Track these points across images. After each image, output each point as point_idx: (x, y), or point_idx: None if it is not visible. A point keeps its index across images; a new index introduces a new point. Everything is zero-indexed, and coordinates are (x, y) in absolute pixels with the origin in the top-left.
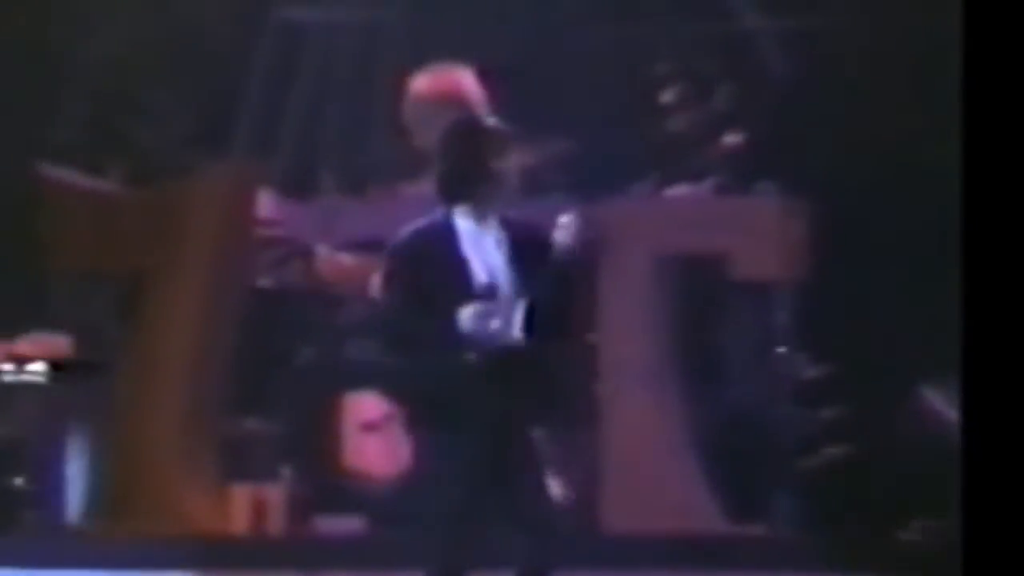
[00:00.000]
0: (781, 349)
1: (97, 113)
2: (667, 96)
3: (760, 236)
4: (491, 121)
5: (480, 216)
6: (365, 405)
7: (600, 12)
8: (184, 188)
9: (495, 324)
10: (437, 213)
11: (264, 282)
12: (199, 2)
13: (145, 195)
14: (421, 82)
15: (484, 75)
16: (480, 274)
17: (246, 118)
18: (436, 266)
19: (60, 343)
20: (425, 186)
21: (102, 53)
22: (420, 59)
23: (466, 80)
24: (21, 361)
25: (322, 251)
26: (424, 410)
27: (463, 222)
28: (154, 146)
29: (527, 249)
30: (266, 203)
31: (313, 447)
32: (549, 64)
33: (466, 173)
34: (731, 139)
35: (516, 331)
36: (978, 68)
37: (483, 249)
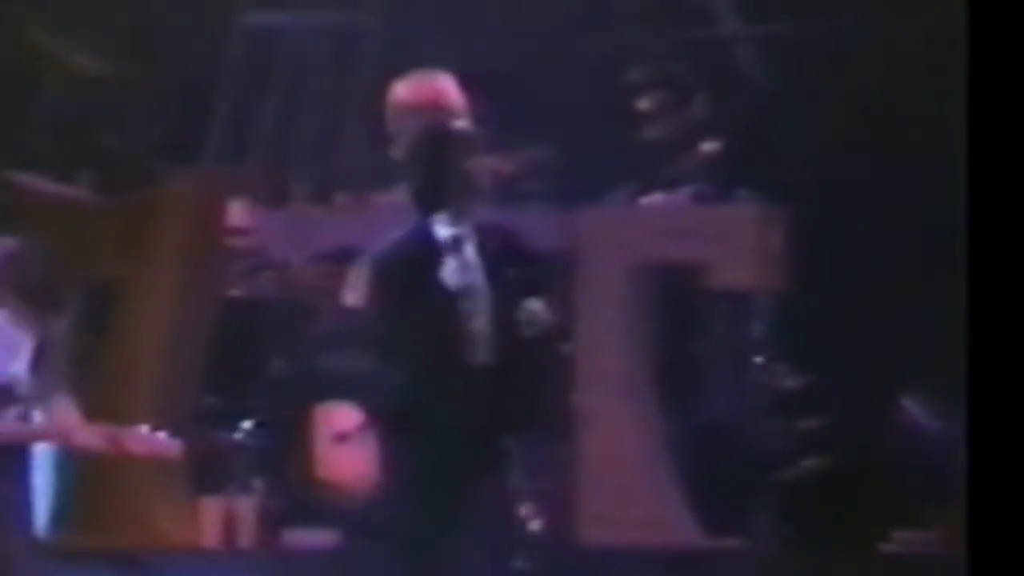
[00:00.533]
0: (759, 359)
1: (67, 120)
2: (644, 103)
3: (738, 244)
4: (460, 124)
5: (457, 222)
6: (338, 416)
7: (577, 19)
8: (155, 196)
9: None
10: (416, 222)
11: (235, 292)
12: (169, 7)
13: (115, 203)
14: (402, 89)
15: (461, 81)
16: (461, 282)
17: (217, 125)
18: (419, 275)
19: (172, 444)
20: (398, 195)
21: (73, 60)
22: (395, 65)
23: (448, 87)
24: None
25: (294, 261)
26: (398, 421)
27: (442, 230)
28: (124, 153)
29: (504, 254)
30: (237, 212)
31: (285, 459)
32: (525, 71)
33: (440, 180)
34: (709, 147)
35: None
36: (962, 72)
37: (463, 256)
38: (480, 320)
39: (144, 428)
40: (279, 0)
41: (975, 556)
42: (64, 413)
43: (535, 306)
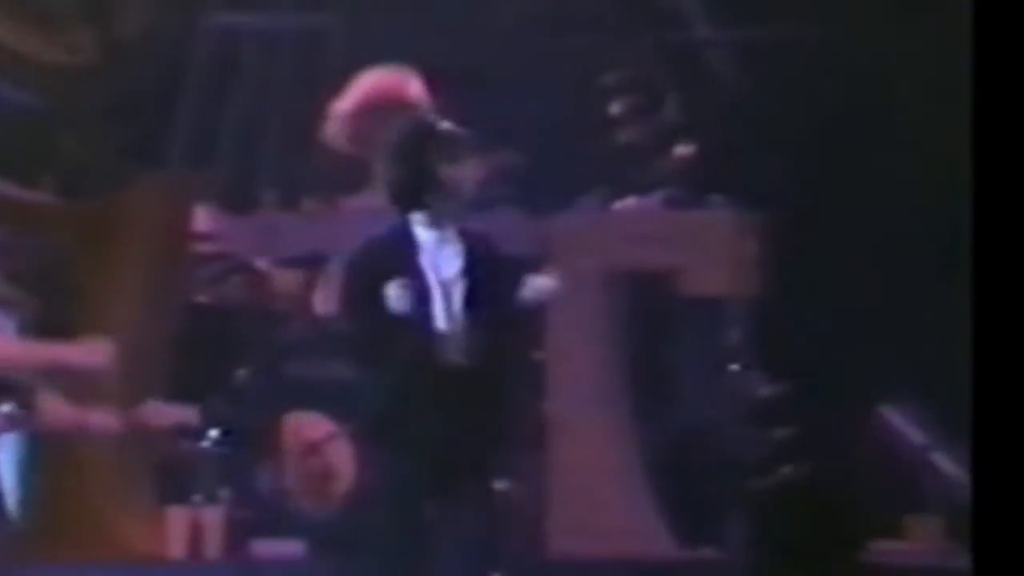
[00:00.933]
0: (734, 367)
1: (29, 123)
2: (616, 107)
3: (712, 250)
4: (444, 125)
5: (439, 225)
6: (307, 425)
7: (547, 21)
8: (119, 200)
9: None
10: (396, 221)
11: (202, 298)
12: (133, 8)
13: (78, 207)
14: (371, 84)
15: (429, 84)
16: (436, 287)
17: (182, 128)
18: (393, 278)
19: (188, 413)
20: (367, 199)
21: (35, 61)
22: (361, 67)
23: (411, 83)
24: (143, 433)
25: (261, 266)
26: (369, 428)
27: (422, 232)
28: (87, 157)
29: (485, 262)
30: (203, 217)
31: (252, 469)
32: (494, 74)
33: (419, 180)
34: (682, 151)
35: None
36: (948, 74)
37: (441, 260)
38: (454, 326)
39: (156, 402)
40: (244, 2)
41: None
42: (52, 402)
43: (540, 281)
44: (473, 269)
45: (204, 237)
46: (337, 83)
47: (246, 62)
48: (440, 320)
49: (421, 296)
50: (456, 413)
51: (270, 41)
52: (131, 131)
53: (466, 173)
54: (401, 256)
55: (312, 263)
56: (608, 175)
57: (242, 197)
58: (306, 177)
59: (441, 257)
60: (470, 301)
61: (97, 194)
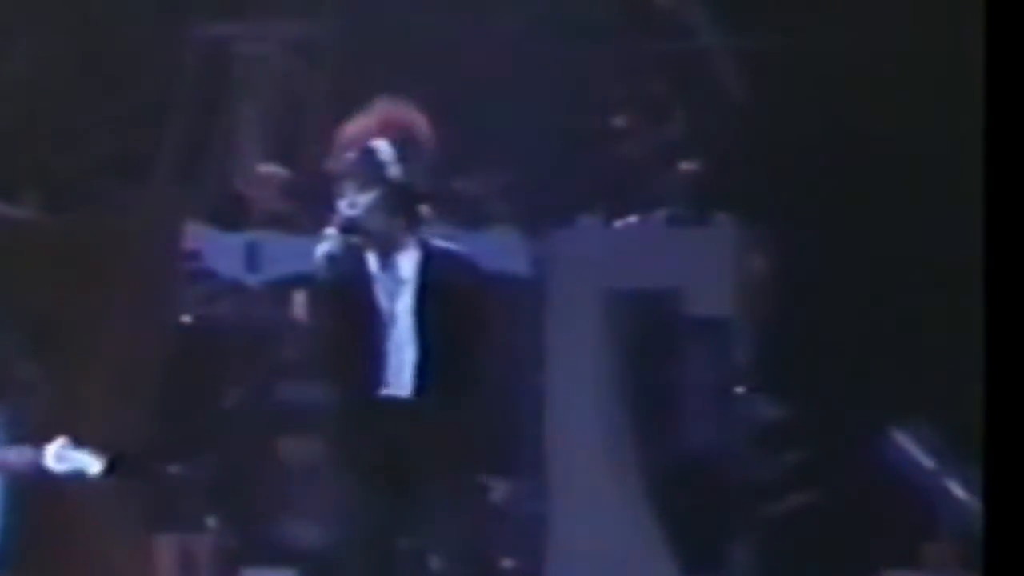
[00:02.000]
0: (740, 389)
1: (11, 136)
2: (618, 121)
3: (717, 270)
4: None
5: (389, 246)
6: (298, 449)
7: (547, 31)
8: (104, 216)
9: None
10: (345, 242)
11: (189, 318)
12: (118, 19)
13: (62, 223)
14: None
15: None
16: (384, 300)
17: (169, 143)
18: (344, 292)
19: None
20: None
21: (15, 73)
22: (355, 77)
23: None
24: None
25: (251, 285)
26: (350, 453)
27: (371, 258)
28: (71, 172)
29: (441, 270)
30: (192, 234)
31: (242, 495)
32: (493, 86)
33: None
34: (686, 167)
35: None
36: (949, 89)
37: (392, 270)
38: (408, 349)
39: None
40: (233, 12)
41: None
42: None
43: None
44: (423, 294)
45: (192, 255)
46: (328, 95)
47: (235, 75)
48: (385, 348)
49: (367, 323)
50: (412, 439)
51: (260, 53)
52: (118, 145)
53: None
54: (350, 278)
55: (302, 282)
56: (610, 192)
57: (231, 214)
58: (295, 192)
59: (393, 266)
60: (419, 325)
61: (82, 210)
